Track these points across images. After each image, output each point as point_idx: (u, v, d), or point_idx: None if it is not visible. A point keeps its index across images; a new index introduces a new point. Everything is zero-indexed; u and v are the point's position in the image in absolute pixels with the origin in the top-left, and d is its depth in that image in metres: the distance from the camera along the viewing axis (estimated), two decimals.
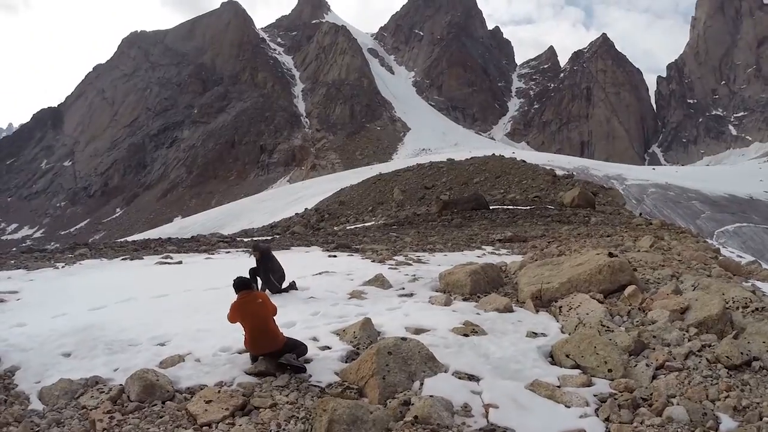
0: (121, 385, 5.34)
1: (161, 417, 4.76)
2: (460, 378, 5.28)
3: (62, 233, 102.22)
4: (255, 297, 6.07)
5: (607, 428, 4.42)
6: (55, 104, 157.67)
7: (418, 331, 6.61)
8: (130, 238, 32.69)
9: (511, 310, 7.56)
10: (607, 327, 6.29)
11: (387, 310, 7.65)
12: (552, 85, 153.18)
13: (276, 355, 5.70)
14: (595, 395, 4.93)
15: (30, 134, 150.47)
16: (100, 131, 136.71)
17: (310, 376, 5.53)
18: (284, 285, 9.14)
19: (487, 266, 9.28)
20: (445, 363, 5.55)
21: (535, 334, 6.56)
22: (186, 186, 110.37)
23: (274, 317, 6.16)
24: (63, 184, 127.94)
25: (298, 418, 4.66)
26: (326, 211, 37.44)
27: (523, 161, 43.68)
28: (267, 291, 8.69)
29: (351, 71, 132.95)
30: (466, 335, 6.42)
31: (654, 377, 5.23)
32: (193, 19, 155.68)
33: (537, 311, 7.55)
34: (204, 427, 4.57)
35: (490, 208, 27.57)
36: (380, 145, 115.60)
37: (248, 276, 8.96)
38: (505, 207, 28.57)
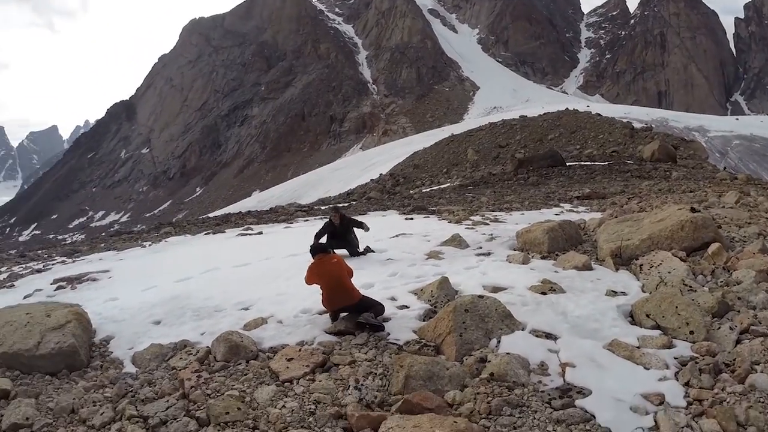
0: (207, 347, 5.63)
1: (245, 375, 5.00)
2: (537, 336, 5.16)
3: (147, 215, 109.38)
4: (330, 258, 6.29)
5: (686, 393, 4.15)
6: (126, 97, 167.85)
7: (496, 289, 6.52)
8: (211, 214, 34.52)
9: (590, 268, 7.25)
10: (690, 286, 5.90)
11: (464, 270, 7.57)
12: (623, 32, 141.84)
13: (352, 310, 5.86)
14: (675, 358, 4.66)
15: (106, 128, 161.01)
16: (173, 117, 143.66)
17: (389, 334, 5.59)
18: (360, 249, 9.30)
19: (564, 223, 8.91)
20: (522, 321, 5.44)
21: (615, 292, 6.25)
22: (261, 161, 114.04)
23: (351, 278, 6.28)
24: (143, 170, 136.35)
25: (376, 374, 4.75)
26: (401, 176, 37.43)
27: (599, 115, 41.32)
28: (345, 253, 8.92)
29: (413, 34, 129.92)
30: (543, 293, 6.24)
31: (738, 342, 4.85)
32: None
33: (617, 269, 7.19)
34: (286, 383, 4.76)
35: (567, 164, 26.64)
36: (450, 106, 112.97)
37: (321, 232, 9.30)
38: (582, 163, 27.42)
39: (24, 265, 13.24)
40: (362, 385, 4.49)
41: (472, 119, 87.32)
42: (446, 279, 6.70)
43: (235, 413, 4.19)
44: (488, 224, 11.54)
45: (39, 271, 11.97)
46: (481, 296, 5.55)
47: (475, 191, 21.47)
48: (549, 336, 5.18)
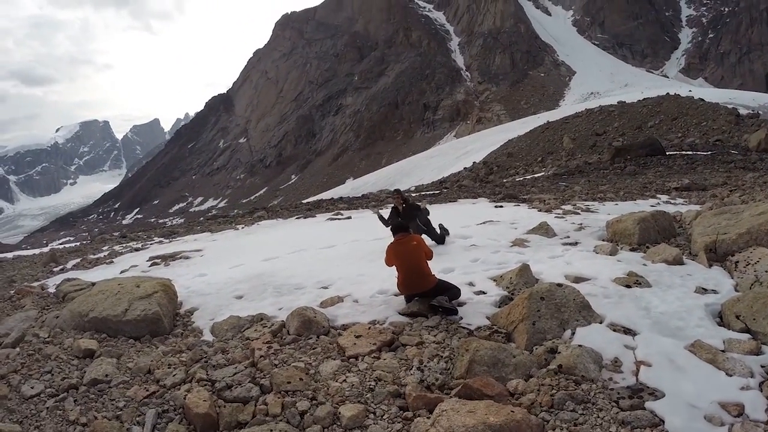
0: (282, 321, 5.88)
1: (314, 348, 5.17)
2: (614, 330, 4.82)
3: (243, 201, 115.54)
4: (410, 239, 6.21)
5: None
6: (224, 91, 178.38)
7: (578, 279, 6.22)
8: (305, 201, 35.89)
9: (680, 263, 6.68)
10: None
11: (548, 258, 7.33)
12: (726, 9, 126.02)
13: (427, 295, 5.81)
14: (762, 366, 4.15)
15: (205, 120, 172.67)
16: (269, 108, 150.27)
17: (461, 318, 5.52)
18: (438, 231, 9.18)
19: (657, 214, 8.24)
20: (601, 313, 5.11)
21: (705, 290, 5.71)
22: (355, 149, 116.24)
23: (429, 260, 6.25)
24: (240, 159, 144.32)
25: (441, 356, 4.70)
26: (495, 164, 36.71)
27: (702, 100, 37.74)
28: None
29: (505, 18, 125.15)
30: (628, 286, 5.83)
31: None
32: None
33: (710, 265, 6.55)
34: (351, 359, 4.86)
35: (667, 153, 24.97)
36: (545, 92, 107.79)
37: (388, 219, 9.27)
38: (683, 152, 25.49)
39: (124, 245, 14.63)
40: (425, 366, 4.46)
41: (569, 106, 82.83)
42: (527, 266, 6.50)
43: (296, 383, 4.34)
44: (579, 214, 11.14)
45: (137, 250, 13.22)
46: (559, 285, 5.29)
47: (569, 180, 20.81)
48: (627, 331, 4.81)
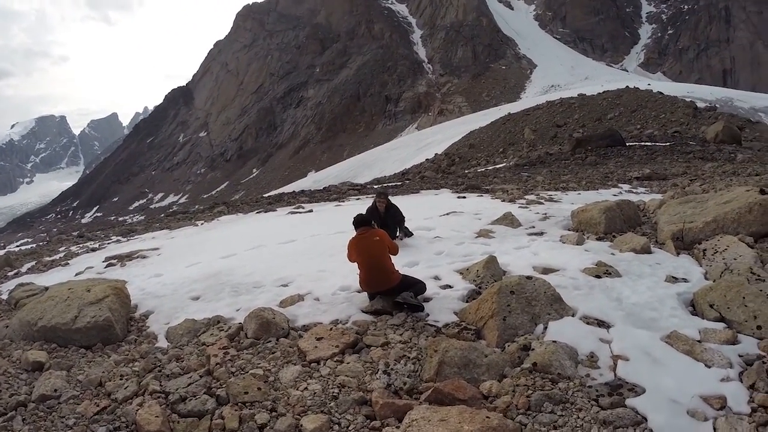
0: (240, 323, 5.53)
1: (273, 353, 4.83)
2: (588, 323, 4.66)
3: (204, 197, 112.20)
4: (373, 234, 5.90)
5: (751, 397, 3.58)
6: (183, 83, 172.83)
7: (546, 270, 6.08)
8: (266, 194, 35.19)
9: (648, 251, 6.63)
10: (758, 276, 5.23)
11: (514, 249, 7.18)
12: (686, 6, 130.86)
13: (391, 293, 5.53)
14: (740, 356, 4.07)
15: (165, 113, 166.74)
16: (229, 101, 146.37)
17: (428, 315, 5.27)
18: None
19: (623, 203, 8.23)
20: (573, 306, 4.95)
21: (675, 278, 5.64)
22: (317, 142, 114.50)
23: (394, 255, 5.99)
24: (201, 153, 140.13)
25: (409, 357, 4.43)
26: (456, 155, 36.81)
27: (660, 93, 38.85)
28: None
29: (468, 11, 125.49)
30: (598, 276, 5.71)
31: None
32: None
33: (678, 253, 6.54)
34: (312, 363, 4.56)
35: (627, 144, 25.44)
36: (507, 84, 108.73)
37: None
38: (643, 143, 26.03)
39: (81, 245, 13.88)
40: (392, 369, 4.18)
41: (530, 98, 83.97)
42: (494, 258, 6.31)
43: (254, 393, 4.04)
44: (543, 203, 11.09)
45: (94, 250, 12.55)
46: (529, 277, 5.10)
47: (531, 171, 20.94)
48: (601, 324, 4.66)
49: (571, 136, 30.75)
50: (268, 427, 3.71)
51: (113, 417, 4.02)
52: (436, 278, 6.30)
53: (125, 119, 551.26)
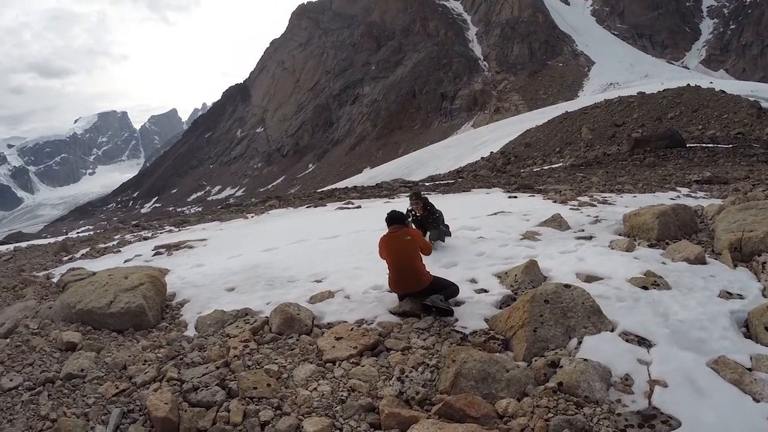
0: (266, 317, 5.49)
1: (292, 350, 4.74)
2: (627, 340, 4.21)
3: (261, 190, 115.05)
4: (404, 233, 5.67)
5: None
6: (240, 81, 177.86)
7: (590, 278, 5.67)
8: (320, 189, 35.66)
9: (703, 262, 6.05)
10: None
11: (559, 254, 6.78)
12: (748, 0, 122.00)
13: (421, 295, 5.30)
14: None
15: (222, 109, 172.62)
16: (286, 98, 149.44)
17: (456, 320, 5.00)
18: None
19: (679, 207, 7.62)
20: (613, 320, 4.53)
21: (730, 294, 5.05)
22: (372, 139, 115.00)
23: (426, 256, 5.77)
24: (258, 148, 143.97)
25: (428, 365, 4.19)
26: (512, 154, 35.98)
27: (723, 92, 36.44)
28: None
29: (523, 8, 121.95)
30: (645, 288, 5.23)
31: None
32: None
33: (735, 265, 5.90)
34: (328, 363, 4.43)
35: (687, 145, 24.12)
36: (564, 82, 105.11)
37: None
38: (704, 145, 24.60)
39: (135, 234, 14.44)
40: (407, 376, 3.95)
41: (587, 96, 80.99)
42: (534, 262, 5.96)
43: (263, 389, 3.97)
44: (595, 206, 10.58)
45: (146, 239, 13.01)
46: (567, 286, 4.71)
47: (587, 171, 20.20)
48: (642, 342, 4.20)
49: (630, 135, 29.36)
50: (270, 425, 3.61)
51: (129, 400, 4.10)
52: (473, 281, 6.02)
53: (184, 115, 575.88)
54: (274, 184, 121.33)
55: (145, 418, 3.84)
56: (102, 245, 12.57)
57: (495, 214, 10.05)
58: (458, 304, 5.36)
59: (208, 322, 5.62)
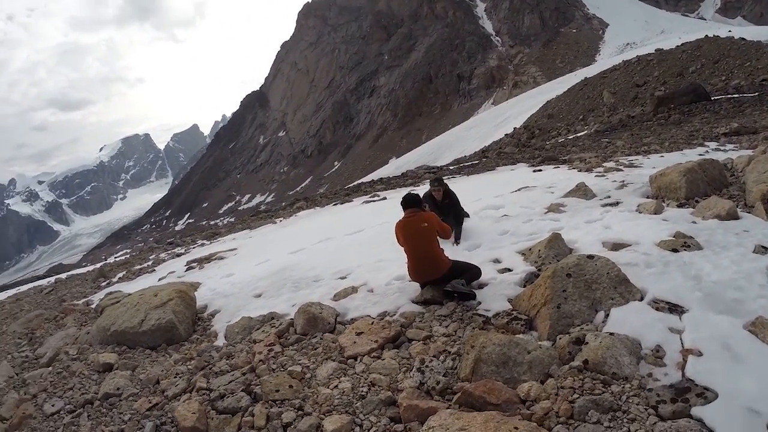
0: (291, 319, 5.49)
1: (315, 349, 4.74)
2: (657, 309, 3.95)
3: (290, 193, 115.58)
4: (420, 218, 5.44)
5: None
6: (257, 87, 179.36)
7: (617, 246, 5.43)
8: (348, 186, 35.79)
9: (735, 217, 5.72)
10: None
11: (585, 223, 6.55)
12: None
13: (441, 281, 5.18)
14: None
15: (243, 118, 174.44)
16: (303, 99, 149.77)
17: (479, 303, 4.86)
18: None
19: (705, 163, 7.24)
20: (641, 287, 4.29)
21: (765, 249, 4.77)
22: (394, 128, 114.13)
23: (446, 239, 5.61)
24: (282, 152, 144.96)
25: (449, 352, 4.09)
26: (536, 127, 35.15)
27: (743, 39, 34.74)
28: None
29: None
30: (675, 250, 4.95)
31: None
32: None
33: None
34: (349, 360, 4.40)
35: (711, 98, 23.18)
36: (580, 48, 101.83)
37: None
38: (729, 96, 23.58)
39: (169, 251, 14.74)
40: (427, 366, 3.84)
41: (605, 59, 78.50)
42: (557, 236, 5.75)
43: (285, 391, 3.99)
44: (621, 170, 10.21)
45: (179, 255, 13.26)
46: (591, 257, 4.48)
47: (612, 136, 19.63)
48: (673, 309, 3.94)
49: (652, 95, 28.43)
50: (292, 426, 3.63)
51: (161, 413, 4.20)
52: (496, 261, 5.85)
53: (206, 129, 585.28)
54: (302, 185, 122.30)
55: (176, 429, 3.91)
56: (137, 267, 12.86)
57: (518, 190, 9.80)
58: (482, 286, 5.22)
59: (236, 330, 5.67)
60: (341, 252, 8.05)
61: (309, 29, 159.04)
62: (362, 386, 3.93)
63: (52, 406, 4.60)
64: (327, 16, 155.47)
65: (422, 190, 14.44)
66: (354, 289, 6.01)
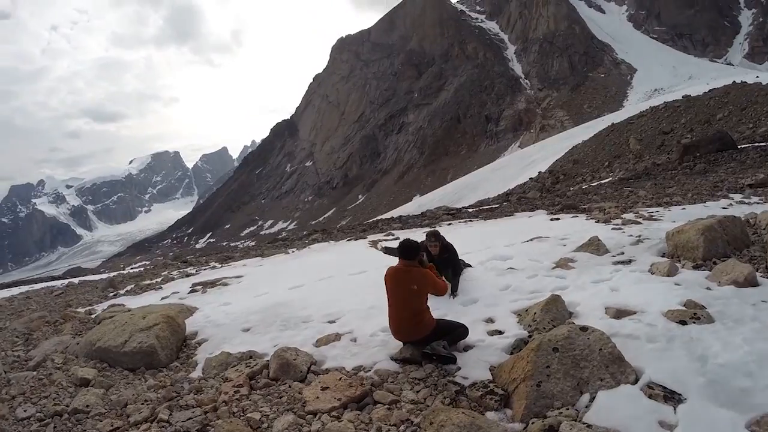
0: (268, 360, 5.29)
1: (280, 397, 4.56)
2: (651, 396, 3.46)
3: (312, 223, 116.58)
4: (412, 277, 4.99)
5: None
6: (287, 116, 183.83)
7: (621, 313, 4.98)
8: (368, 221, 35.74)
9: (754, 284, 5.17)
10: None
11: (591, 284, 6.12)
12: None
13: (422, 342, 4.83)
14: None
15: (271, 145, 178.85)
16: (332, 131, 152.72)
17: (459, 368, 4.51)
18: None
19: (726, 220, 6.73)
20: (638, 366, 3.83)
21: None
22: (420, 166, 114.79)
23: (440, 296, 5.32)
24: (307, 182, 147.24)
25: (411, 423, 3.76)
26: (560, 172, 34.87)
27: None
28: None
29: (559, 20, 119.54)
30: (683, 322, 4.46)
31: None
32: (390, 11, 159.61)
33: None
34: (308, 416, 4.18)
35: (738, 147, 22.69)
36: (608, 93, 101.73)
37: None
38: (756, 144, 23.01)
39: (181, 270, 14.63)
40: None
41: (633, 105, 78.16)
42: (557, 298, 5.35)
43: None
44: (640, 223, 9.82)
45: (188, 275, 13.14)
46: (584, 328, 4.06)
47: (635, 185, 19.24)
48: (669, 397, 3.43)
49: (679, 142, 27.83)
50: None
51: None
52: (489, 320, 5.47)
53: (234, 152, 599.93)
54: (325, 216, 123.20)
55: None
56: (147, 282, 12.83)
57: (531, 240, 9.43)
58: (467, 348, 4.87)
59: (213, 364, 5.55)
60: (338, 293, 7.77)
61: (342, 63, 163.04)
62: None
63: (24, 411, 4.73)
64: (360, 52, 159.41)
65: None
66: (338, 336, 5.75)
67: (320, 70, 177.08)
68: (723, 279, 5.33)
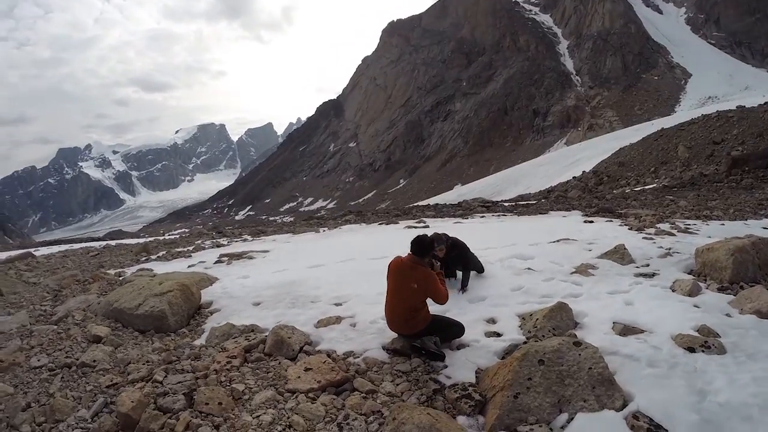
0: (266, 336, 5.39)
1: (267, 373, 4.68)
2: (633, 426, 3.20)
3: (352, 203, 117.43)
4: (414, 276, 4.78)
5: None
6: (334, 97, 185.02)
7: (627, 330, 4.75)
8: (408, 205, 35.65)
9: None
10: None
11: (607, 294, 5.86)
12: None
13: (414, 336, 4.77)
14: None
15: (316, 124, 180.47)
16: (378, 114, 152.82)
17: (446, 367, 4.44)
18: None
19: (760, 242, 6.29)
20: (628, 392, 3.58)
21: None
22: (463, 155, 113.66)
23: (440, 304, 5.03)
24: (350, 162, 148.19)
25: (381, 415, 3.76)
26: (605, 174, 33.85)
27: None
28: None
29: (615, 18, 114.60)
30: (691, 349, 4.18)
31: None
32: None
33: None
34: (287, 393, 4.28)
35: None
36: (660, 96, 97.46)
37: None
38: None
39: (214, 240, 14.89)
40: (348, 424, 3.52)
41: (684, 111, 74.86)
42: (563, 306, 5.15)
43: (213, 406, 4.06)
44: (674, 234, 9.33)
45: (219, 245, 13.38)
46: (578, 343, 3.85)
47: (678, 194, 18.44)
48: (653, 431, 3.16)
49: (728, 154, 26.52)
50: None
51: (115, 393, 4.43)
52: (491, 321, 5.33)
53: (279, 128, 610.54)
54: (365, 198, 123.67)
55: (116, 412, 4.12)
56: (179, 249, 13.10)
57: (557, 241, 9.12)
58: (461, 347, 4.76)
59: (217, 333, 5.67)
60: (352, 276, 7.74)
61: (391, 47, 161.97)
62: (279, 424, 3.83)
63: (38, 360, 5.01)
64: (410, 37, 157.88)
65: (466, 223, 14.18)
66: (338, 320, 5.77)
67: (369, 53, 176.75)
68: (746, 306, 5.00)
